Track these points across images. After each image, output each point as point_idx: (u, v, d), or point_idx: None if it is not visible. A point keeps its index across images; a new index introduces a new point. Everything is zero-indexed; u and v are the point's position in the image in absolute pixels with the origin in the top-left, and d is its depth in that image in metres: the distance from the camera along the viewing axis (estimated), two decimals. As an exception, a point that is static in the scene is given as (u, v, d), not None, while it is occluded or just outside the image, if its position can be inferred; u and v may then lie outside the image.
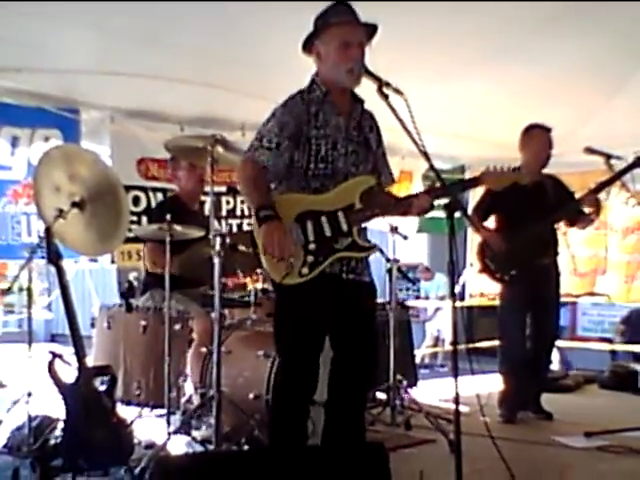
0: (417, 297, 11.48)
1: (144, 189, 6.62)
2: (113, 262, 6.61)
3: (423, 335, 11.13)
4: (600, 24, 5.51)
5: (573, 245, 8.13)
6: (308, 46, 3.84)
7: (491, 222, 6.33)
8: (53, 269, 4.29)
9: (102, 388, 4.23)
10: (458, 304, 4.45)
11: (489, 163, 7.03)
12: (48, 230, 4.26)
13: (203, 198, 6.24)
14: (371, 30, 3.82)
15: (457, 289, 7.74)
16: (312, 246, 3.69)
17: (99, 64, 5.56)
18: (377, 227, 6.09)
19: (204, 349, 5.14)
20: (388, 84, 3.60)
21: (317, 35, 3.79)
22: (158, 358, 5.00)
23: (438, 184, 4.04)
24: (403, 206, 3.95)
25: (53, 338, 14.08)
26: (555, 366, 8.24)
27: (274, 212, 3.60)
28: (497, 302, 6.58)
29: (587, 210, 6.04)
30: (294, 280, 3.65)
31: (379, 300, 6.70)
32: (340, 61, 3.75)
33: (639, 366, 7.97)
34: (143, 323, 5.28)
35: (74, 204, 4.46)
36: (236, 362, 5.01)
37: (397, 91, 3.56)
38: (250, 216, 7.13)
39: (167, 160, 6.18)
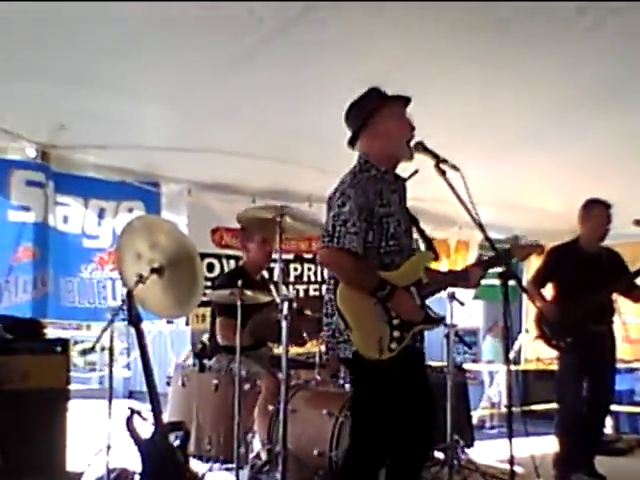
0: (474, 360, 11.32)
1: (218, 256, 6.73)
2: (188, 324, 6.69)
3: (480, 397, 10.93)
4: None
5: (625, 312, 7.97)
6: (360, 129, 3.82)
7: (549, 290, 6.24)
8: (133, 330, 4.34)
9: (176, 443, 4.22)
10: (513, 368, 4.36)
11: (542, 234, 7.05)
12: (129, 294, 4.32)
13: (272, 265, 6.28)
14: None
15: (512, 354, 7.64)
16: (396, 321, 3.64)
17: (177, 141, 5.70)
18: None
19: (271, 407, 5.13)
20: (445, 161, 3.62)
21: (373, 115, 3.77)
22: (228, 415, 5.00)
23: (488, 253, 4.04)
24: (460, 279, 3.95)
25: (131, 395, 14.17)
26: (608, 430, 8.00)
27: (391, 284, 3.59)
28: (553, 367, 6.45)
29: None
30: (386, 355, 3.58)
31: (438, 363, 6.66)
32: (400, 133, 3.78)
33: (690, 431, 7.71)
34: (215, 382, 5.30)
35: (153, 270, 4.52)
36: (301, 420, 4.97)
37: (454, 167, 3.58)
38: (316, 282, 7.19)
39: (239, 229, 6.25)
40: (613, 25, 4.40)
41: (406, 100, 3.82)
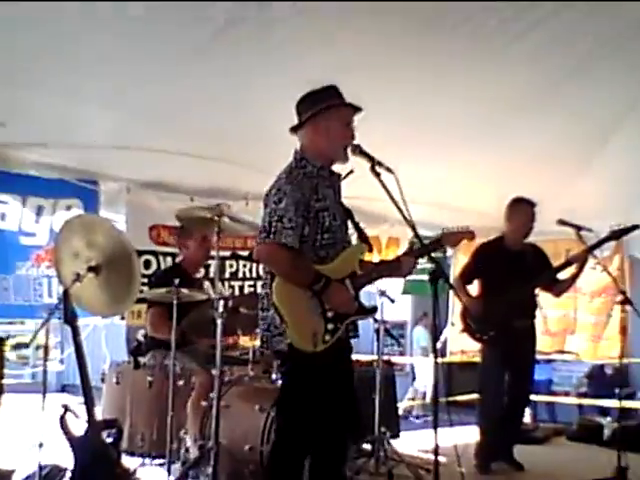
0: (401, 353, 11.42)
1: (155, 253, 6.64)
2: (123, 318, 6.59)
3: (405, 388, 11.03)
4: (568, 106, 5.61)
5: (545, 306, 8.12)
6: (305, 122, 3.82)
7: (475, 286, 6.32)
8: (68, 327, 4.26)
9: (109, 440, 4.17)
10: (439, 360, 4.42)
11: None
12: (66, 292, 4.25)
13: (208, 262, 6.23)
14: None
15: (438, 345, 7.71)
16: (330, 314, 3.67)
17: (116, 140, 5.60)
18: (366, 289, 6.09)
19: (204, 403, 5.09)
20: (380, 163, 3.65)
21: (321, 112, 3.78)
22: (162, 412, 4.96)
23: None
24: (393, 268, 3.97)
25: (64, 388, 13.92)
26: (527, 419, 8.15)
27: (326, 277, 3.61)
28: (476, 359, 6.54)
29: (572, 270, 6.04)
30: (320, 347, 3.61)
31: (367, 357, 6.69)
32: (342, 139, 3.81)
33: (604, 420, 7.88)
34: (149, 379, 5.26)
35: (90, 268, 4.44)
36: (233, 416, 4.95)
37: (388, 169, 3.61)
38: (251, 278, 7.16)
39: (177, 227, 6.17)
40: (542, 32, 4.48)
41: (355, 109, 3.85)
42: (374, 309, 4.01)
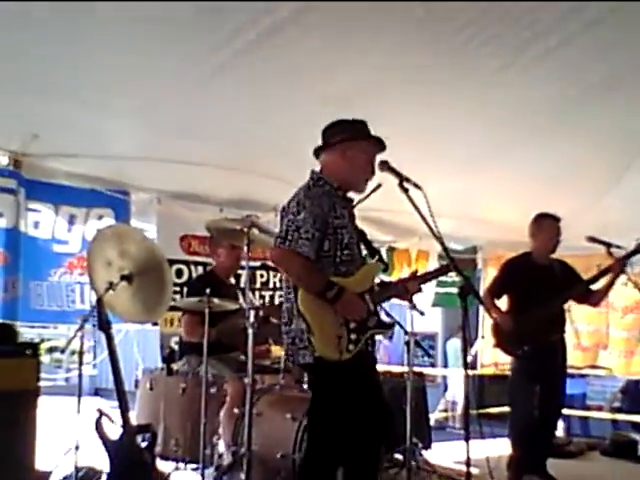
0: (432, 364, 11.42)
1: (186, 263, 6.76)
2: (155, 324, 6.70)
3: (437, 400, 11.04)
4: (597, 122, 5.63)
5: (577, 321, 8.13)
6: (335, 144, 3.93)
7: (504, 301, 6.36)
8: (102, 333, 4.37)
9: (144, 444, 4.27)
10: (470, 373, 4.49)
11: (499, 245, 7.16)
12: (99, 301, 4.36)
13: (239, 272, 6.33)
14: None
15: (469, 359, 7.74)
16: (352, 325, 3.74)
17: (147, 151, 5.71)
18: (396, 302, 6.17)
19: (236, 410, 5.18)
20: (408, 179, 3.74)
21: (351, 140, 3.91)
22: (194, 418, 5.05)
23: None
24: (401, 291, 4.11)
25: (97, 392, 14.09)
26: (560, 433, 8.14)
27: (339, 286, 3.67)
28: (508, 372, 6.57)
29: (604, 281, 6.05)
30: (345, 356, 3.68)
31: (398, 369, 6.75)
32: (364, 172, 3.96)
33: (638, 435, 7.85)
34: (182, 385, 5.34)
35: (123, 277, 4.56)
36: (265, 423, 5.03)
37: (416, 186, 3.70)
38: (281, 288, 7.24)
39: (207, 237, 6.29)
40: (571, 48, 4.52)
41: (382, 146, 3.96)
42: (392, 324, 4.11)
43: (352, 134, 3.92)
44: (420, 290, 4.08)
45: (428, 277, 4.15)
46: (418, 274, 4.25)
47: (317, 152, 4.01)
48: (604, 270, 6.01)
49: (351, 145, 3.92)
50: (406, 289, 4.04)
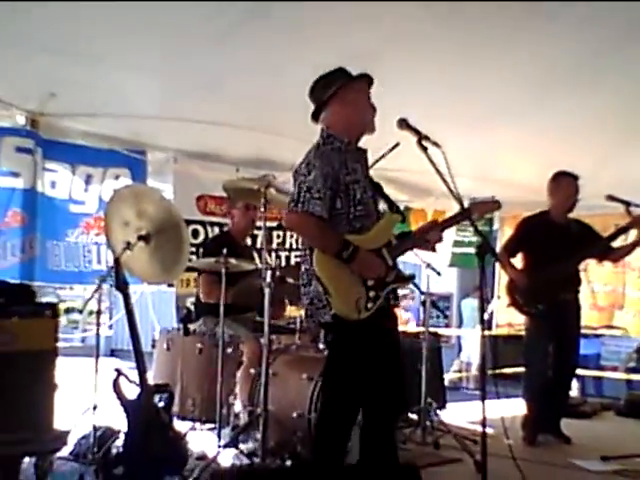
0: (447, 325, 11.46)
1: (202, 223, 6.78)
2: (170, 285, 6.73)
3: (451, 361, 11.10)
4: (613, 78, 5.55)
5: (593, 281, 8.11)
6: (329, 99, 3.89)
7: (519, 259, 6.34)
8: (119, 294, 4.38)
9: (161, 404, 4.31)
10: (486, 333, 4.49)
11: (516, 204, 7.11)
12: (117, 261, 4.37)
13: (255, 232, 6.34)
14: None
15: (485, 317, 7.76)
16: (370, 282, 3.73)
17: (163, 110, 5.70)
18: (412, 261, 6.16)
19: (253, 371, 5.20)
20: (427, 137, 3.69)
21: (344, 86, 3.86)
22: (211, 378, 5.09)
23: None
24: (421, 241, 4.05)
25: (112, 353, 14.23)
26: (574, 393, 8.17)
27: (354, 246, 3.66)
28: (522, 332, 6.58)
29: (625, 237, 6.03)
30: (364, 314, 3.68)
31: (414, 329, 6.76)
32: (369, 109, 3.91)
33: (652, 395, 7.88)
34: (199, 346, 5.37)
35: (140, 237, 4.57)
36: (281, 383, 5.04)
37: (435, 144, 3.65)
38: (297, 249, 7.25)
39: (223, 197, 6.28)
40: (588, 2, 4.45)
41: (370, 79, 3.92)
42: (412, 277, 4.04)
43: (342, 80, 3.87)
44: (441, 239, 4.02)
45: (448, 224, 4.07)
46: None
47: (315, 116, 3.97)
48: (622, 227, 6.00)
49: (346, 90, 3.87)
50: (426, 239, 4.01)
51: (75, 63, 4.72)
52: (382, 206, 4.05)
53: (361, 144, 3.99)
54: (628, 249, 6.16)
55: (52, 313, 4.16)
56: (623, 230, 5.98)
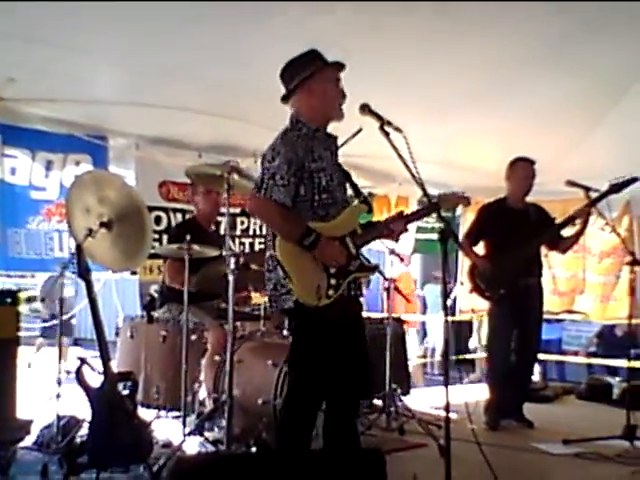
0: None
1: (165, 210, 6.72)
2: (134, 273, 6.68)
3: (415, 346, 11.14)
4: (578, 65, 5.61)
5: (554, 267, 8.18)
6: (297, 87, 3.86)
7: (481, 247, 6.38)
8: (82, 282, 4.34)
9: (125, 392, 4.25)
10: (449, 319, 4.52)
11: (479, 190, 7.16)
12: (79, 248, 4.32)
13: (219, 218, 6.31)
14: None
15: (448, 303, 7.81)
16: (333, 270, 3.74)
17: (125, 95, 5.64)
18: (376, 248, 6.17)
19: (217, 358, 5.19)
20: (389, 123, 3.69)
21: (313, 74, 3.83)
22: (175, 365, 5.05)
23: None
24: (385, 231, 4.05)
25: (76, 342, 14.08)
26: (536, 377, 8.26)
27: (316, 233, 3.66)
28: (485, 318, 6.64)
29: (575, 226, 6.07)
30: (324, 302, 3.68)
31: (378, 315, 6.78)
32: (337, 97, 3.88)
33: (613, 379, 7.98)
34: (163, 333, 5.34)
35: (102, 224, 4.52)
36: (246, 370, 5.05)
37: (397, 129, 3.66)
38: (261, 235, 7.23)
39: (186, 184, 6.24)
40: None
41: (341, 66, 3.89)
42: (376, 267, 4.07)
43: (312, 68, 3.84)
44: (406, 230, 4.05)
45: (414, 217, 4.10)
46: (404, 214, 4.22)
47: (285, 100, 3.95)
48: (570, 217, 6.02)
49: (313, 79, 3.84)
50: (391, 229, 4.02)
51: (35, 47, 4.67)
52: (350, 194, 4.05)
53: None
54: (572, 240, 6.19)
55: (12, 301, 4.11)
56: (571, 219, 6.00)
